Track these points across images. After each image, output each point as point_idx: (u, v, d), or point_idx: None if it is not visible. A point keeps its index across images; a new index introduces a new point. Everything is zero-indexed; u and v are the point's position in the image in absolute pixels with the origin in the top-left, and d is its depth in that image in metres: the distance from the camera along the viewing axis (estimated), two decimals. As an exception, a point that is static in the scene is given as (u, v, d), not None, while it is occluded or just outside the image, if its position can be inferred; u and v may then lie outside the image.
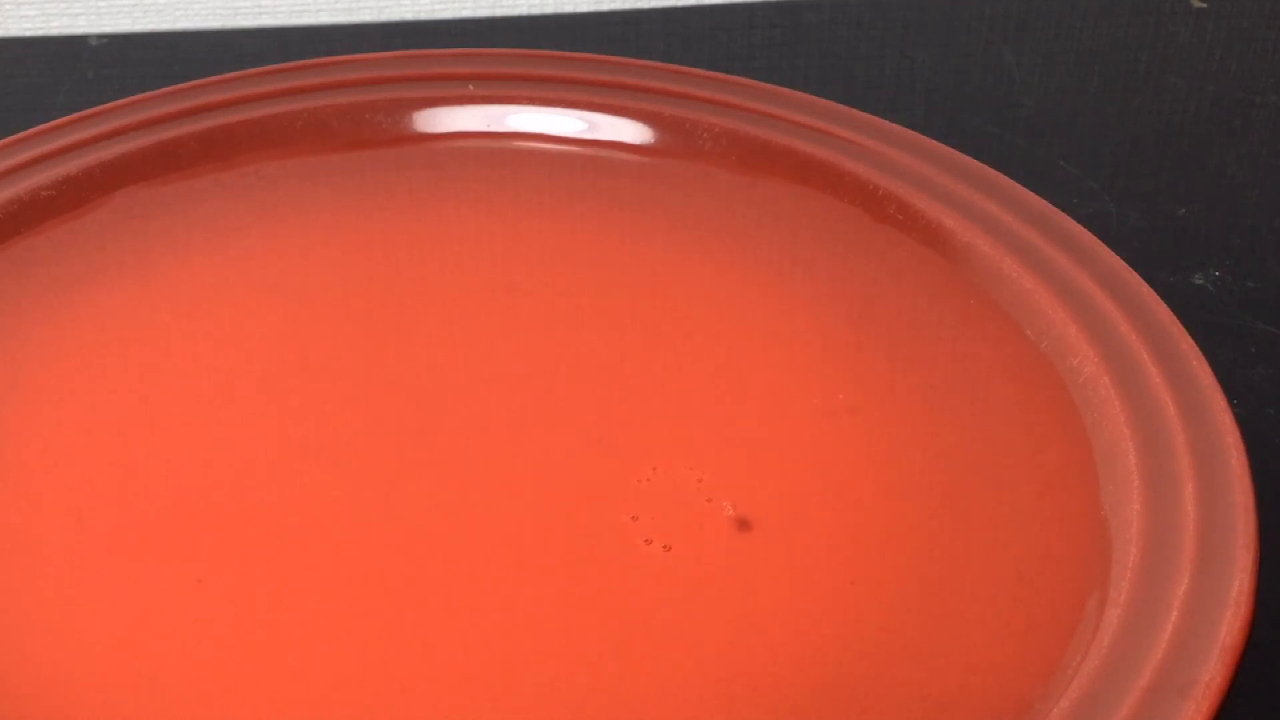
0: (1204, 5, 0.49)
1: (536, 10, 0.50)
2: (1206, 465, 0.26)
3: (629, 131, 0.36)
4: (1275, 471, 0.30)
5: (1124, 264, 0.30)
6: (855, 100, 0.37)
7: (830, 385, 0.30)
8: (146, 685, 0.24)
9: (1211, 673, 0.22)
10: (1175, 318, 0.29)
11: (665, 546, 0.26)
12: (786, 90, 0.37)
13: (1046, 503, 0.27)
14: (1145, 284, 0.30)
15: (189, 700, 0.24)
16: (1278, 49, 0.47)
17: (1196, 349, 0.28)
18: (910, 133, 0.35)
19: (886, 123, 0.35)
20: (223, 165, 0.35)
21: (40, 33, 0.49)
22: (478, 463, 0.28)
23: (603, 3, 0.50)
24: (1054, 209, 0.32)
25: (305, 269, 0.33)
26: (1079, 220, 0.32)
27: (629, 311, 0.32)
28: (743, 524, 0.27)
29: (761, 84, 0.37)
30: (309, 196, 0.35)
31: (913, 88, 0.46)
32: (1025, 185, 0.33)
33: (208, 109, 0.36)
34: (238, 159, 0.35)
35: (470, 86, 0.37)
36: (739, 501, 0.27)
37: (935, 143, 0.35)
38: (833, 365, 0.30)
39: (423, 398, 0.30)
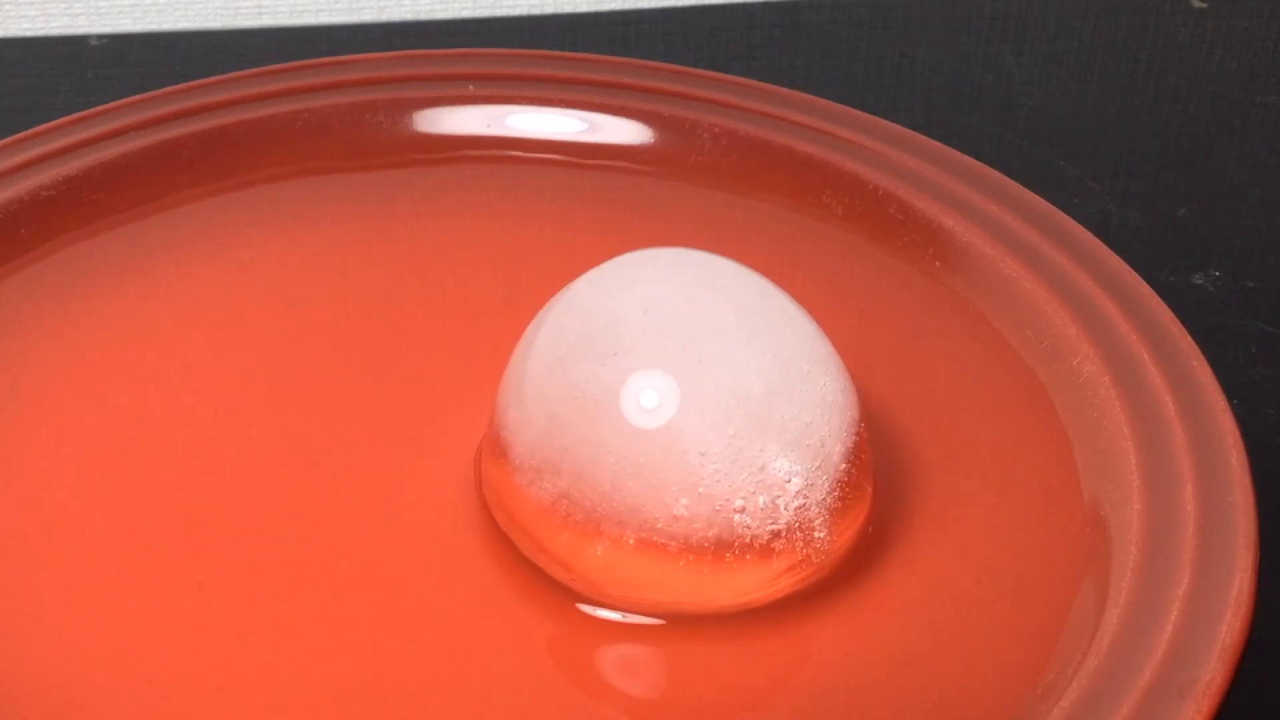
0: (1204, 5, 0.49)
1: (536, 10, 0.50)
2: (1206, 465, 0.26)
3: (629, 131, 0.36)
4: (1275, 471, 0.30)
5: (1124, 264, 0.30)
6: (855, 100, 0.37)
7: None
8: (146, 688, 0.24)
9: (1211, 673, 0.22)
10: (1175, 318, 0.29)
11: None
12: (786, 90, 0.37)
13: (1047, 503, 0.27)
14: (1145, 284, 0.30)
15: (189, 703, 0.24)
16: (1278, 49, 0.47)
17: (1196, 349, 0.28)
18: (910, 133, 0.35)
19: (886, 123, 0.35)
20: (223, 167, 0.35)
21: (40, 33, 0.49)
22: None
23: (603, 3, 0.50)
24: (1054, 209, 0.32)
25: (306, 274, 0.33)
26: (1079, 220, 0.32)
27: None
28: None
29: (761, 84, 0.37)
30: (309, 201, 0.35)
31: (913, 88, 0.46)
32: (1025, 185, 0.33)
33: (208, 109, 0.36)
34: (238, 160, 0.35)
35: (470, 86, 0.37)
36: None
37: (935, 143, 0.35)
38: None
39: (424, 402, 0.30)
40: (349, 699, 0.24)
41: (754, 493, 0.24)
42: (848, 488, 0.25)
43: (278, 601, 0.26)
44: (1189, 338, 0.28)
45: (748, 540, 0.24)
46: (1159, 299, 0.29)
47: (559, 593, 0.25)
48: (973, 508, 0.27)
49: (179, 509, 0.27)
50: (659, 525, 0.24)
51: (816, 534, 0.25)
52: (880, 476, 0.27)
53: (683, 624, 0.25)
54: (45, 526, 0.27)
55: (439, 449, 0.28)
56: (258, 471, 0.28)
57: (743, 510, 0.24)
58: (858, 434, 0.25)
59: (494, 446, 0.26)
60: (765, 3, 0.49)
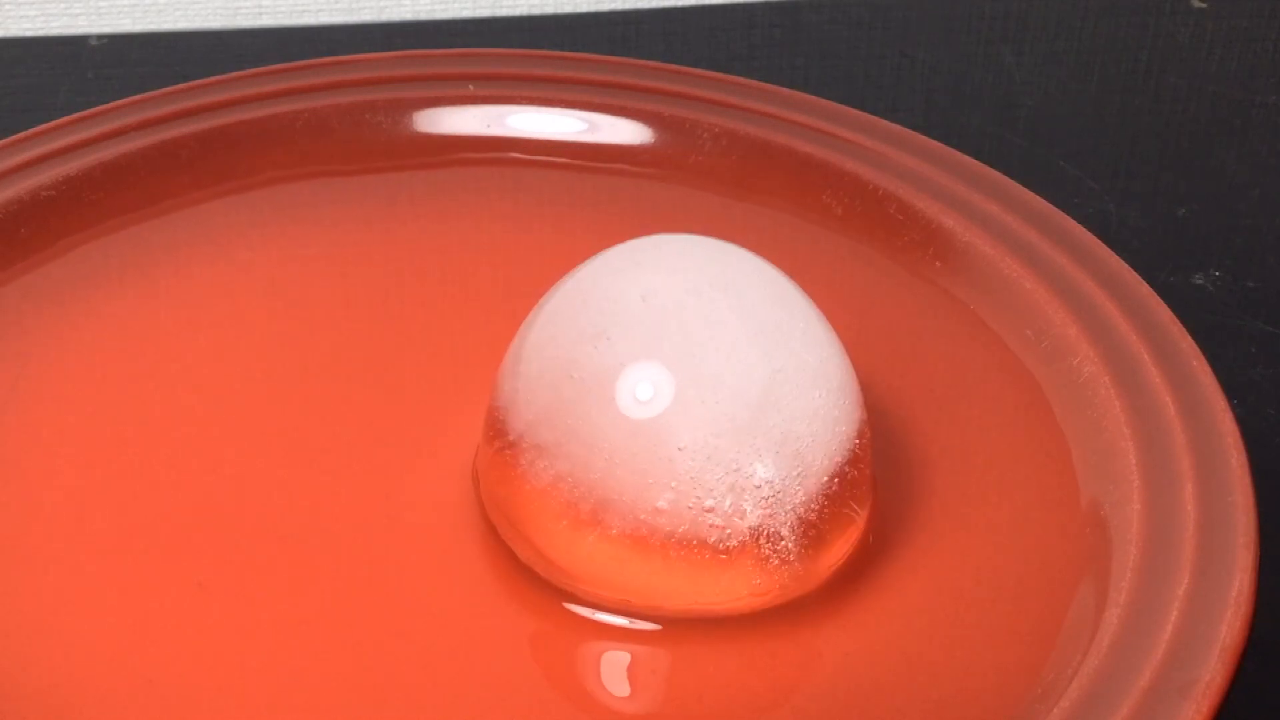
0: (1204, 5, 0.49)
1: (536, 10, 0.50)
2: (1206, 465, 0.26)
3: (629, 131, 0.36)
4: (1275, 471, 0.30)
5: (1124, 264, 0.30)
6: (855, 100, 0.37)
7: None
8: (146, 688, 0.24)
9: (1211, 673, 0.22)
10: (1175, 318, 0.29)
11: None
12: (786, 90, 0.37)
13: (1046, 504, 0.27)
14: (1145, 284, 0.30)
15: (189, 703, 0.24)
16: (1278, 49, 0.47)
17: (1196, 349, 0.28)
18: (910, 133, 0.35)
19: (886, 123, 0.35)
20: (223, 167, 0.35)
21: (40, 33, 0.49)
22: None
23: (603, 3, 0.50)
24: (1054, 209, 0.32)
25: (306, 276, 0.33)
26: (1079, 220, 0.32)
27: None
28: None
29: (761, 84, 0.37)
30: (309, 203, 0.35)
31: (913, 88, 0.46)
32: (1025, 185, 0.33)
33: (208, 109, 0.36)
34: (238, 160, 0.35)
35: (470, 86, 0.37)
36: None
37: (935, 143, 0.35)
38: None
39: (424, 403, 0.30)
40: (349, 701, 0.24)
41: (724, 494, 0.24)
42: (828, 503, 0.25)
43: (277, 603, 0.26)
44: (1189, 338, 0.28)
45: (712, 541, 0.24)
46: (1159, 299, 0.29)
47: (555, 595, 0.25)
48: (972, 508, 0.27)
49: (179, 509, 0.27)
50: (642, 517, 0.24)
51: (785, 544, 0.24)
52: (880, 476, 0.27)
53: (678, 627, 0.25)
54: (45, 526, 0.27)
55: (438, 449, 0.28)
56: (257, 472, 0.28)
57: (712, 510, 0.24)
58: (851, 450, 0.25)
59: (489, 425, 0.26)
60: (765, 3, 0.49)
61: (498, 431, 0.26)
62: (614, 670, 0.25)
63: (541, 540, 0.25)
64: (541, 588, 0.25)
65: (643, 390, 0.24)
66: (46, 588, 0.26)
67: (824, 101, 0.36)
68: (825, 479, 0.25)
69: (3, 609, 0.25)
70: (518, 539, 0.26)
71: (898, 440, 0.29)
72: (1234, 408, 0.27)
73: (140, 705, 0.24)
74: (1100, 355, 0.28)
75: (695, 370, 0.24)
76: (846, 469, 0.25)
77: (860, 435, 0.26)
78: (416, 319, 0.32)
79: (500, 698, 0.24)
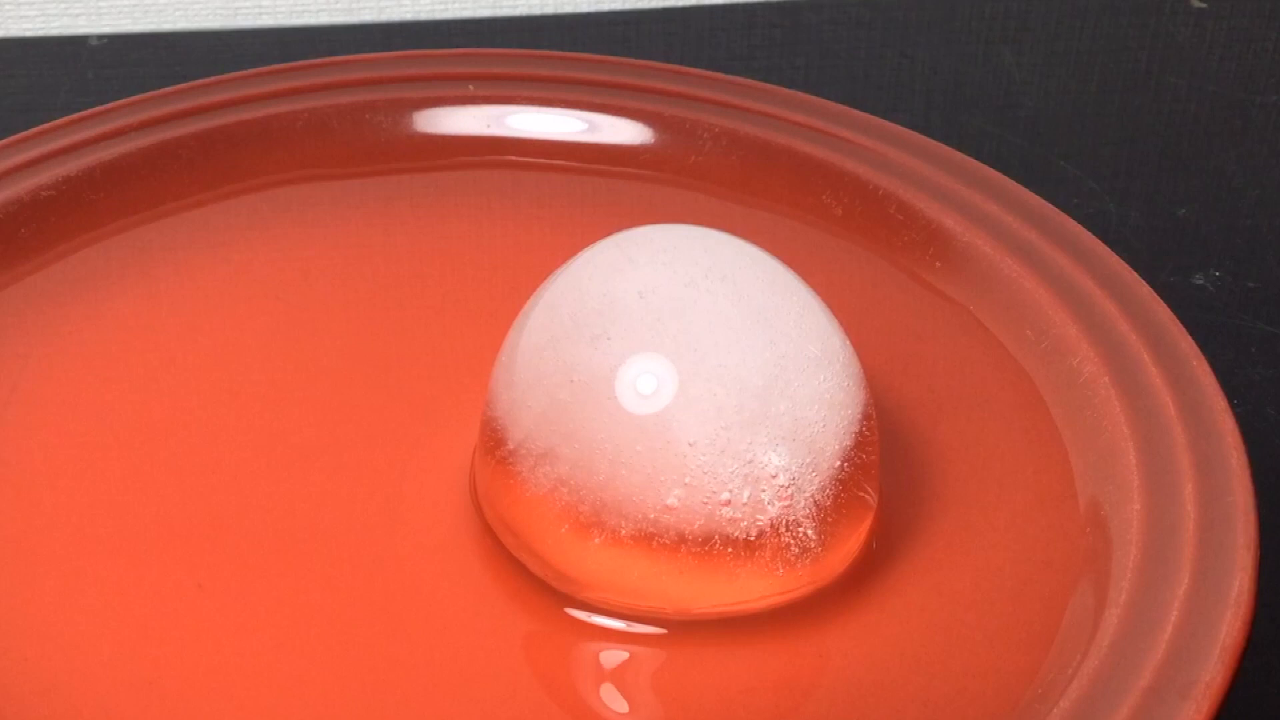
0: (1204, 5, 0.49)
1: (536, 10, 0.50)
2: (1206, 465, 0.26)
3: (629, 131, 0.36)
4: (1275, 471, 0.30)
5: (1124, 264, 0.30)
6: (855, 100, 0.37)
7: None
8: (146, 688, 0.24)
9: (1211, 673, 0.22)
10: (1175, 318, 0.29)
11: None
12: (786, 90, 0.37)
13: (1046, 504, 0.27)
14: (1145, 284, 0.30)
15: (189, 703, 0.24)
16: (1278, 49, 0.47)
17: (1196, 349, 0.28)
18: (910, 133, 0.35)
19: (886, 123, 0.35)
20: (223, 167, 0.35)
21: (40, 33, 0.49)
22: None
23: (603, 3, 0.50)
24: (1054, 209, 0.32)
25: (305, 277, 0.33)
26: (1079, 220, 0.32)
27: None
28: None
29: (761, 84, 0.37)
30: (309, 204, 0.35)
31: (913, 88, 0.46)
32: (1025, 185, 0.33)
33: (208, 109, 0.36)
34: (238, 161, 0.35)
35: (470, 86, 0.37)
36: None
37: (935, 143, 0.35)
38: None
39: (424, 405, 0.30)
40: (348, 702, 0.24)
41: (740, 486, 0.24)
42: (843, 488, 0.25)
43: (277, 603, 0.26)
44: (1189, 338, 0.28)
45: (733, 535, 0.24)
46: (1159, 299, 0.29)
47: (554, 598, 0.25)
48: (972, 508, 0.27)
49: (179, 510, 0.27)
50: (650, 516, 0.24)
51: (804, 531, 0.24)
52: (880, 477, 0.27)
53: (677, 629, 0.25)
54: (45, 527, 0.27)
55: (438, 450, 0.28)
56: (257, 472, 0.28)
57: (729, 503, 0.24)
58: (858, 434, 0.25)
59: (487, 434, 0.26)
60: (765, 3, 0.49)
61: (497, 441, 0.26)
62: (615, 674, 0.25)
63: (548, 550, 0.25)
64: (541, 590, 0.25)
65: (648, 388, 0.24)
66: (46, 588, 0.26)
67: (824, 101, 0.36)
68: (838, 464, 0.25)
69: (3, 609, 0.25)
70: (522, 550, 0.26)
71: (897, 441, 0.29)
72: (1234, 408, 0.27)
73: (140, 705, 0.24)
74: (1100, 355, 0.28)
75: (699, 364, 0.24)
76: (857, 453, 0.25)
77: (867, 417, 0.26)
78: (416, 320, 0.32)
79: (501, 701, 0.24)
